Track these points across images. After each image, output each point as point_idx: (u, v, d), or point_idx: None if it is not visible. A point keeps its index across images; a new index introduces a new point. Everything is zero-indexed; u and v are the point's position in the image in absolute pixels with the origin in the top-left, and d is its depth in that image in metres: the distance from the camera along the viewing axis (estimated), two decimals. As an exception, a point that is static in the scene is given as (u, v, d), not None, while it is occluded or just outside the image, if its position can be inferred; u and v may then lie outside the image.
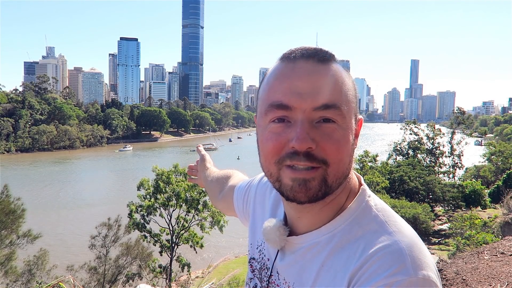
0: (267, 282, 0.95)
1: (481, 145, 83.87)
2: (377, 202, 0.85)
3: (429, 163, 46.75)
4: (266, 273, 0.96)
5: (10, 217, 13.68)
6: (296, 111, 0.79)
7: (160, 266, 22.09)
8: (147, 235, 22.67)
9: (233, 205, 1.31)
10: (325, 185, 0.81)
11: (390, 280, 0.71)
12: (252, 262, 1.03)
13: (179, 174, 23.93)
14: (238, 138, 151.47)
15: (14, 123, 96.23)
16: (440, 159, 48.56)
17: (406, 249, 0.74)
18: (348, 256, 0.78)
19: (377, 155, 37.91)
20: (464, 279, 4.48)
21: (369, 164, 36.55)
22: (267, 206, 1.05)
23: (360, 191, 0.85)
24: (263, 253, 0.99)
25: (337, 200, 0.85)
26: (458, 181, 43.80)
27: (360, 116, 0.85)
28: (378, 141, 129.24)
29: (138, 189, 23.75)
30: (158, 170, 23.49)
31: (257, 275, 1.00)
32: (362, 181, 0.89)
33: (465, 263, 4.95)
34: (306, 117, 0.79)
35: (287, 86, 0.79)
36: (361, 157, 36.96)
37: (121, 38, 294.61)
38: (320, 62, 0.81)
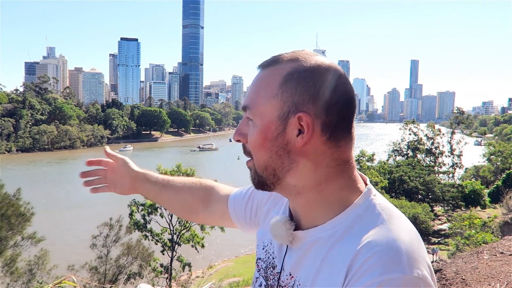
0: (276, 280, 0.96)
1: (481, 145, 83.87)
2: (382, 201, 0.87)
3: (428, 163, 46.78)
4: (272, 271, 0.98)
5: (18, 219, 13.79)
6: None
7: (161, 265, 22.15)
8: (148, 234, 22.73)
9: (229, 216, 1.28)
10: (257, 174, 0.92)
11: (385, 277, 0.72)
12: (259, 262, 1.05)
13: (181, 174, 23.99)
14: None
15: (14, 123, 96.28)
16: (440, 159, 48.58)
17: (404, 248, 0.75)
18: (347, 249, 0.80)
19: (373, 154, 37.92)
20: (463, 279, 4.50)
21: (367, 163, 36.56)
22: (281, 206, 1.08)
23: (365, 190, 0.88)
24: (269, 252, 1.01)
25: (341, 197, 0.87)
26: (458, 181, 43.81)
27: (300, 114, 0.84)
28: (378, 141, 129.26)
29: None
30: (162, 170, 23.56)
31: (262, 274, 1.02)
32: (368, 182, 0.92)
33: (465, 262, 4.97)
34: (244, 116, 0.93)
35: None
36: (358, 157, 36.99)
37: (121, 38, 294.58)
38: (261, 69, 0.91)
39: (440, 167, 47.83)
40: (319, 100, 0.84)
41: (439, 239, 31.50)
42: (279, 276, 0.95)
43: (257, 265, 1.05)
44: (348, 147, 0.87)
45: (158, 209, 23.30)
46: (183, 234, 23.09)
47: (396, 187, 37.58)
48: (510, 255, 4.98)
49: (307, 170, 0.87)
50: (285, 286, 0.93)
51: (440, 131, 50.05)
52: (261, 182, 0.93)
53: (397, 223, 0.82)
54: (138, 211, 23.31)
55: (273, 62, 0.90)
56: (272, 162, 0.89)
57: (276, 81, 0.87)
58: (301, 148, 0.86)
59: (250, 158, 0.94)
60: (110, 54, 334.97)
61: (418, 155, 47.77)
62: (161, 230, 23.32)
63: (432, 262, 29.07)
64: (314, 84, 0.84)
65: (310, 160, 0.86)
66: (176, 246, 23.04)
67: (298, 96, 0.85)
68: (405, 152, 48.61)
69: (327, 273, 0.83)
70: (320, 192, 0.88)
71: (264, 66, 0.91)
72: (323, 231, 0.87)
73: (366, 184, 0.92)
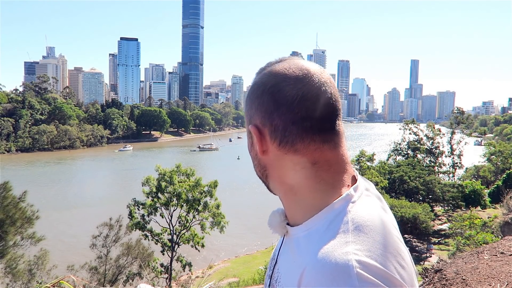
0: (271, 270, 1.00)
1: (481, 145, 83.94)
2: (358, 209, 0.84)
3: (429, 163, 46.79)
4: (272, 262, 1.01)
5: (23, 222, 13.83)
6: None
7: (162, 265, 22.13)
8: (148, 234, 22.71)
9: None
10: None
11: None
12: (272, 253, 1.09)
13: (181, 174, 23.94)
14: (238, 138, 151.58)
15: (14, 123, 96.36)
16: (440, 159, 48.59)
17: (356, 262, 0.73)
18: (305, 257, 0.81)
19: (373, 154, 37.92)
20: (464, 279, 4.49)
21: (367, 163, 36.55)
22: None
23: (344, 194, 0.86)
24: (277, 244, 1.05)
25: (314, 200, 0.87)
26: (458, 181, 43.80)
27: (249, 126, 0.91)
28: (378, 141, 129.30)
29: (143, 185, 23.79)
30: (161, 170, 23.50)
31: (269, 264, 1.06)
32: (353, 186, 0.89)
33: (465, 263, 4.97)
34: None
35: None
36: (358, 157, 37.00)
37: (121, 38, 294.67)
38: None
39: (440, 167, 47.86)
40: (261, 110, 0.88)
41: (439, 239, 31.52)
42: (273, 268, 0.99)
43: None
44: (310, 149, 0.86)
45: (158, 209, 23.28)
46: (183, 234, 23.07)
47: (396, 187, 37.58)
48: (511, 255, 4.97)
49: (277, 175, 0.91)
50: (276, 278, 0.95)
51: (440, 131, 50.07)
52: (264, 183, 0.98)
53: (363, 234, 0.79)
54: (138, 210, 23.30)
55: (257, 73, 0.96)
56: (256, 169, 0.97)
57: (255, 90, 0.93)
58: (263, 157, 0.91)
59: None
60: (110, 54, 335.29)
61: (418, 155, 47.79)
62: (161, 230, 23.29)
63: (427, 257, 28.83)
64: (256, 95, 0.90)
65: (275, 166, 0.90)
66: (176, 246, 23.02)
67: (250, 109, 0.92)
68: (405, 152, 48.63)
69: (289, 276, 0.86)
70: (296, 194, 0.89)
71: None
72: (301, 231, 0.87)
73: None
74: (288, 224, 0.94)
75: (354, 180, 0.90)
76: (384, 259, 0.76)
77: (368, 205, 0.86)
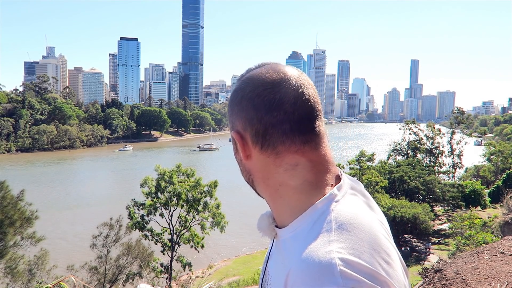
0: (263, 272, 1.01)
1: (481, 145, 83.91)
2: (342, 208, 0.84)
3: (429, 163, 46.75)
4: (265, 264, 1.02)
5: (22, 222, 13.84)
6: None
7: (162, 265, 22.12)
8: (148, 234, 22.70)
9: None
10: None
11: None
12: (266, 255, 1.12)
13: (181, 174, 23.92)
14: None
15: (14, 123, 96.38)
16: (440, 159, 48.56)
17: (339, 260, 0.74)
18: (291, 258, 0.82)
19: (373, 154, 37.87)
20: (464, 279, 4.50)
21: (368, 163, 36.48)
22: None
23: (328, 194, 0.86)
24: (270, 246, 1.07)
25: (299, 201, 0.88)
26: (458, 181, 43.78)
27: (232, 132, 0.93)
28: (378, 141, 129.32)
29: (142, 186, 23.78)
30: (161, 170, 23.48)
31: (263, 266, 1.07)
32: (337, 185, 0.90)
33: (465, 263, 4.97)
34: None
35: None
36: (358, 157, 36.98)
37: (121, 38, 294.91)
38: None
39: (440, 167, 47.81)
40: (241, 115, 0.90)
41: (439, 239, 31.51)
42: (265, 270, 1.00)
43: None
44: (291, 151, 0.87)
45: (158, 209, 23.27)
46: (183, 234, 23.06)
47: (396, 187, 37.54)
48: (511, 255, 4.98)
49: (262, 179, 0.92)
50: (267, 280, 0.96)
51: (440, 131, 50.03)
52: (252, 187, 1.00)
53: (346, 232, 0.79)
54: (138, 210, 23.28)
55: (239, 79, 0.98)
56: (242, 174, 0.98)
57: (238, 94, 0.93)
58: (247, 161, 0.93)
59: None
60: (110, 54, 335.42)
61: (418, 155, 47.76)
62: (161, 230, 23.28)
63: (426, 256, 28.78)
64: (236, 102, 0.92)
65: (259, 170, 0.92)
66: (176, 246, 23.01)
67: (231, 116, 0.94)
68: (405, 152, 48.62)
69: (277, 278, 0.88)
70: (281, 197, 0.90)
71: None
72: (288, 232, 0.88)
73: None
74: (276, 226, 0.95)
75: (338, 179, 0.91)
76: (368, 256, 0.77)
77: (352, 203, 0.87)
